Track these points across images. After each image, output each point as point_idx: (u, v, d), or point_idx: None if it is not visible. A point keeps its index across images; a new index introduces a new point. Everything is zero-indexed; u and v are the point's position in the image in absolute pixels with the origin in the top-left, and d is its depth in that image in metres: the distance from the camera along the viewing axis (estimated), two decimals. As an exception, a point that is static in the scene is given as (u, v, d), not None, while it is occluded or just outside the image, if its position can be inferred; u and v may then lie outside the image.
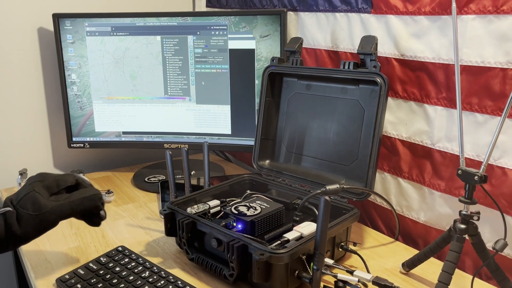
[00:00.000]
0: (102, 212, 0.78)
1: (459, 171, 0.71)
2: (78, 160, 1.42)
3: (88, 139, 1.31)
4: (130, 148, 1.40)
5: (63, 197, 0.73)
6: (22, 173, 1.17)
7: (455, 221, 0.73)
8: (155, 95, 1.26)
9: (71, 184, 0.76)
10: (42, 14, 1.27)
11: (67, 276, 0.80)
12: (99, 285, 0.77)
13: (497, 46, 0.76)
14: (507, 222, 0.78)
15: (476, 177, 0.69)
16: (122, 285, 0.77)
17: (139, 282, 0.77)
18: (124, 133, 1.30)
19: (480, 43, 0.79)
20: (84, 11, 1.31)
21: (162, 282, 0.77)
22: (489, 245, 0.77)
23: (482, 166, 0.69)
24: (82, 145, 1.30)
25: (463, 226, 0.71)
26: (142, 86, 1.26)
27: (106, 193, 1.14)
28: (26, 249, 0.92)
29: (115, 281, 0.78)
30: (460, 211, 0.72)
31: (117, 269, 0.81)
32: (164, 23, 1.21)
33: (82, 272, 0.81)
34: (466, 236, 0.72)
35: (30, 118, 1.32)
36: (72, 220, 0.78)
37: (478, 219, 0.71)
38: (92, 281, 0.78)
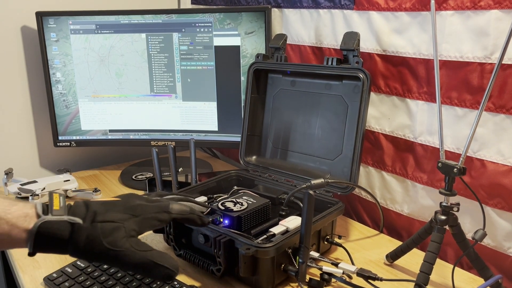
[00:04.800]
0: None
1: (439, 163, 0.73)
2: (65, 159, 1.41)
3: (74, 137, 1.30)
4: (116, 146, 1.40)
5: (143, 248, 0.61)
6: (8, 173, 1.16)
7: (436, 213, 0.75)
8: (141, 92, 1.26)
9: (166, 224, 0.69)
10: (25, 12, 1.26)
11: (55, 275, 0.80)
12: (87, 283, 0.77)
13: (475, 41, 0.78)
14: (486, 213, 0.80)
15: (455, 169, 0.71)
16: (110, 282, 0.77)
17: (127, 279, 0.78)
18: (110, 131, 1.30)
19: (459, 39, 0.80)
20: (67, 9, 1.30)
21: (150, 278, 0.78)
22: (469, 235, 0.79)
23: (461, 159, 0.71)
24: (68, 143, 1.30)
25: (443, 217, 0.73)
26: (128, 84, 1.26)
27: (93, 191, 1.14)
28: (14, 249, 0.92)
29: (103, 278, 0.78)
30: (440, 203, 0.74)
31: (105, 266, 0.82)
32: (149, 20, 1.21)
33: (70, 270, 0.81)
34: (447, 227, 0.74)
35: (15, 118, 1.31)
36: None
37: (458, 210, 0.73)
38: (80, 279, 0.78)
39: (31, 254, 0.59)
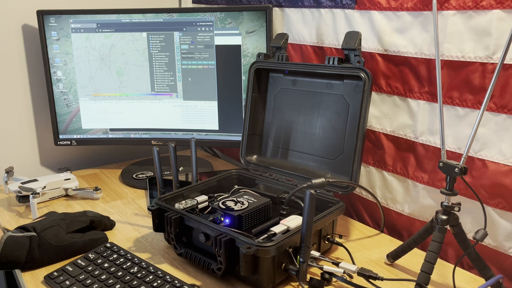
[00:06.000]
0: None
1: (441, 163, 0.73)
2: (65, 158, 1.41)
3: (75, 136, 1.30)
4: (117, 145, 1.40)
5: (78, 236, 0.88)
6: (8, 171, 1.16)
7: (437, 212, 0.75)
8: (142, 91, 1.26)
9: (86, 225, 0.91)
10: (26, 11, 1.26)
11: (55, 273, 0.80)
12: (88, 281, 0.77)
13: (477, 41, 0.78)
14: (487, 213, 0.80)
15: (456, 169, 0.71)
16: (111, 281, 0.77)
17: (128, 277, 0.78)
18: (111, 130, 1.30)
19: (460, 38, 0.80)
20: (68, 7, 1.30)
21: (151, 277, 0.78)
22: (470, 235, 0.79)
23: (462, 159, 0.71)
24: (69, 142, 1.30)
25: (444, 217, 0.73)
26: (128, 83, 1.26)
27: (94, 190, 1.14)
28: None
29: (103, 277, 0.78)
30: (441, 203, 0.74)
31: (106, 265, 0.82)
32: (150, 19, 1.21)
33: (70, 268, 0.81)
34: (448, 227, 0.74)
35: (16, 116, 1.31)
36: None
37: (459, 210, 0.73)
38: (80, 277, 0.78)
39: None
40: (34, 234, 0.81)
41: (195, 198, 0.93)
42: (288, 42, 1.10)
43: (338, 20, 1.01)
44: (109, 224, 0.98)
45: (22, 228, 0.83)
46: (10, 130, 1.31)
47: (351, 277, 0.77)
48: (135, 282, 0.77)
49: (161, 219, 0.86)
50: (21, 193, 1.10)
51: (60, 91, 1.27)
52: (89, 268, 0.81)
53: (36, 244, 0.81)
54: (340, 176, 0.95)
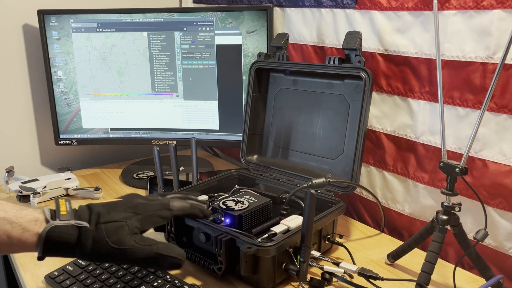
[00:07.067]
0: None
1: (441, 163, 0.73)
2: (66, 157, 1.41)
3: (75, 136, 1.30)
4: (118, 144, 1.40)
5: (148, 243, 0.63)
6: (9, 171, 1.16)
7: (437, 212, 0.75)
8: (142, 91, 1.26)
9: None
10: (27, 10, 1.25)
11: (56, 273, 0.80)
12: (88, 281, 0.77)
13: (478, 41, 0.78)
14: (488, 213, 0.80)
15: (457, 169, 0.71)
16: (111, 281, 0.77)
17: (128, 277, 0.78)
18: (111, 129, 1.30)
19: (461, 38, 0.80)
20: (69, 7, 1.30)
21: (151, 277, 0.78)
22: (470, 235, 0.79)
23: (463, 159, 0.71)
24: (69, 142, 1.30)
25: (445, 217, 0.73)
26: (129, 83, 1.26)
27: (94, 189, 1.14)
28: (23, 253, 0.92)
29: (104, 276, 0.78)
30: (442, 203, 0.74)
31: (106, 265, 0.81)
32: (151, 19, 1.21)
33: (71, 268, 0.81)
34: (448, 227, 0.74)
35: (17, 116, 1.31)
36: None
37: (459, 210, 0.73)
38: (81, 277, 0.78)
39: (40, 258, 0.60)
40: (87, 225, 0.61)
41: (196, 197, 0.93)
42: (289, 42, 1.10)
43: (338, 20, 1.01)
44: (183, 257, 0.65)
45: (81, 213, 0.63)
46: (11, 130, 1.31)
47: (351, 277, 0.77)
48: (135, 282, 0.77)
49: (161, 218, 0.86)
50: (21, 192, 1.10)
51: (60, 91, 1.27)
52: (90, 268, 0.81)
53: (90, 240, 0.61)
54: (341, 176, 0.95)
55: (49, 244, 0.59)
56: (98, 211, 0.63)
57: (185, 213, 0.70)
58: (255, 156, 1.09)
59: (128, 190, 1.22)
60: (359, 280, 0.76)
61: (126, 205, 0.65)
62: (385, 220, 0.99)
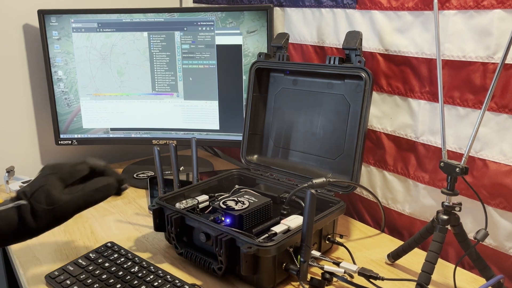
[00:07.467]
0: (123, 188, 0.72)
1: (442, 163, 0.73)
2: (66, 157, 1.41)
3: (75, 136, 1.30)
4: (118, 144, 1.40)
5: (77, 189, 0.67)
6: (9, 171, 1.16)
7: (438, 212, 0.75)
8: (142, 91, 1.26)
9: (86, 174, 0.71)
10: (27, 10, 1.25)
11: (56, 273, 0.80)
12: (89, 281, 0.77)
13: (478, 41, 0.78)
14: (488, 213, 0.80)
15: (457, 169, 0.71)
16: (111, 281, 0.77)
17: (129, 277, 0.78)
18: (112, 129, 1.30)
19: (462, 38, 0.80)
20: (69, 7, 1.30)
21: (152, 276, 0.78)
22: (470, 235, 0.79)
23: (463, 158, 0.71)
24: (69, 142, 1.30)
25: (445, 217, 0.73)
26: (129, 83, 1.26)
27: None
28: (15, 247, 0.92)
29: (104, 276, 0.78)
30: (442, 203, 0.74)
31: (106, 264, 0.82)
32: (151, 19, 1.21)
33: (71, 268, 0.81)
34: (449, 227, 0.74)
35: (17, 116, 1.31)
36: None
37: (460, 210, 0.73)
38: (81, 277, 0.78)
39: None
40: (24, 202, 0.65)
41: (196, 197, 0.93)
42: (289, 41, 1.10)
43: (339, 20, 1.01)
44: (115, 179, 0.71)
45: (16, 196, 0.68)
46: (11, 130, 1.31)
47: (351, 277, 0.77)
48: (135, 282, 0.77)
49: (161, 218, 0.86)
50: (22, 192, 1.10)
51: (61, 91, 1.27)
52: (90, 268, 0.81)
53: (28, 213, 0.65)
54: (341, 176, 0.95)
55: None
56: (25, 189, 0.67)
57: (100, 169, 0.72)
58: (255, 156, 1.09)
59: (128, 189, 1.22)
60: (359, 280, 0.76)
61: (44, 171, 0.69)
62: (385, 220, 0.99)
